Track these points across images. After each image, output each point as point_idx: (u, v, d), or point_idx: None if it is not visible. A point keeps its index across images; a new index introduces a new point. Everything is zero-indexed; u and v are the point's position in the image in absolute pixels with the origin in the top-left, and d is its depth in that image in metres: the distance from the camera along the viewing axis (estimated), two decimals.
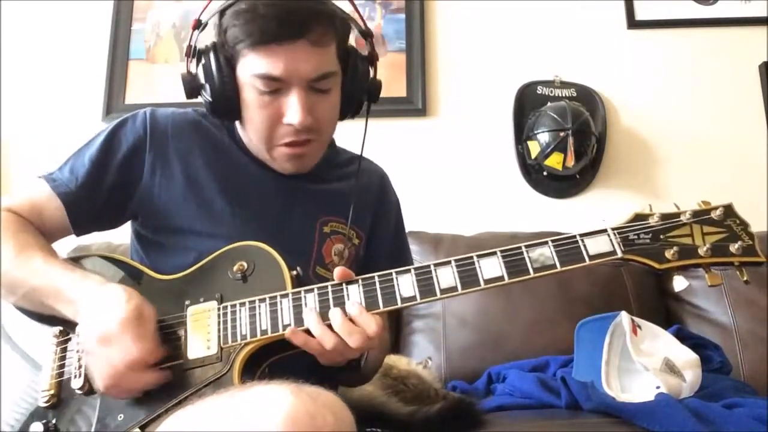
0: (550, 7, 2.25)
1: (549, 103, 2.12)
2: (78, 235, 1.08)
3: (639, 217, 0.89)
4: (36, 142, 2.17)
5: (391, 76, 2.17)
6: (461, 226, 1.92)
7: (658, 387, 1.17)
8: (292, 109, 0.96)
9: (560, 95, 2.16)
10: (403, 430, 1.11)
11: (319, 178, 1.11)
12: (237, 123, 1.09)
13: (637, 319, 1.30)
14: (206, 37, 1.02)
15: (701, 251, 0.86)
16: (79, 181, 1.03)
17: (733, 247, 0.86)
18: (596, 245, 0.88)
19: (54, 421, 0.89)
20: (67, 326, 0.95)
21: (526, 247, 0.88)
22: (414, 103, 2.18)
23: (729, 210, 0.89)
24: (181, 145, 1.06)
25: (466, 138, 2.18)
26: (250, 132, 1.03)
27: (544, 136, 2.06)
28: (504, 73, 2.21)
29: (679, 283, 0.89)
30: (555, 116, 2.04)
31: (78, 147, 1.08)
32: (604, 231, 0.89)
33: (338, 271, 0.89)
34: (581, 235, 0.89)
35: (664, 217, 0.89)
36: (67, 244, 1.18)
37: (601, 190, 2.13)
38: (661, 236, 0.88)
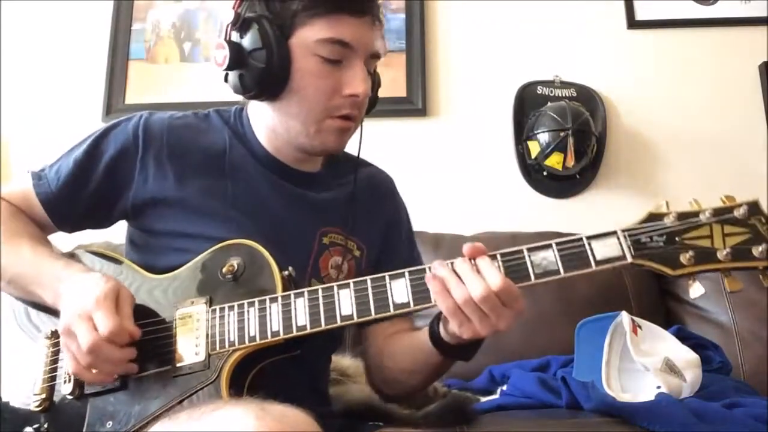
0: (550, 6, 2.25)
1: (549, 103, 2.12)
2: (66, 232, 1.08)
3: (653, 217, 0.81)
4: (36, 142, 2.17)
5: (391, 76, 2.17)
6: (461, 226, 1.93)
7: (658, 387, 1.17)
8: (358, 79, 0.96)
9: (560, 95, 2.16)
10: (403, 425, 1.11)
11: (323, 184, 1.09)
12: (251, 114, 1.07)
13: (637, 319, 1.30)
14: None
15: (720, 255, 0.78)
16: (61, 182, 1.02)
17: (756, 250, 0.77)
18: (604, 249, 0.80)
19: (46, 426, 0.89)
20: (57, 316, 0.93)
21: (528, 250, 0.82)
22: (414, 103, 2.18)
23: (754, 207, 0.79)
24: (176, 148, 1.03)
25: (466, 138, 2.18)
26: (295, 106, 0.99)
27: (544, 136, 2.06)
28: (504, 73, 2.21)
29: (696, 290, 0.80)
30: (555, 116, 2.04)
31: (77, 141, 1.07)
32: (614, 233, 0.81)
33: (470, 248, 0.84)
34: (588, 238, 0.81)
35: (681, 216, 0.80)
36: (67, 244, 1.17)
37: (602, 190, 2.13)
38: (677, 238, 0.79)
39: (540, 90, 2.19)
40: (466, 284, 0.80)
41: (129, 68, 2.25)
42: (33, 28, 2.30)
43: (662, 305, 1.82)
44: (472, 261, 0.82)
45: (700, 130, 2.15)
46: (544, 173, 2.10)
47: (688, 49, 2.21)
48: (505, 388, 1.44)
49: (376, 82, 1.06)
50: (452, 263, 0.83)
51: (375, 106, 1.08)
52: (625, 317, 1.26)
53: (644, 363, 1.20)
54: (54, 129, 2.19)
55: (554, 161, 2.05)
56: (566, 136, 2.01)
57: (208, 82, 2.19)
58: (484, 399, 1.40)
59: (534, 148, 2.09)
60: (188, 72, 2.26)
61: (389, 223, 1.14)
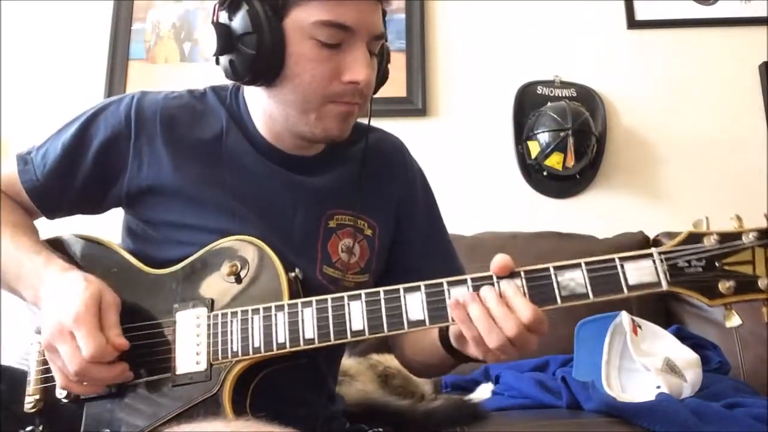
0: (550, 6, 2.25)
1: (549, 103, 2.12)
2: (51, 219, 1.02)
3: (693, 237, 0.74)
4: (36, 142, 2.17)
5: (391, 76, 2.16)
6: (461, 226, 1.92)
7: (658, 387, 1.18)
8: (358, 64, 0.87)
9: (560, 95, 2.16)
10: (404, 427, 1.11)
11: (326, 166, 1.01)
12: (247, 97, 0.99)
13: (637, 319, 1.30)
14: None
15: (761, 284, 0.71)
16: (48, 169, 0.96)
17: None
18: (638, 273, 0.74)
19: (41, 428, 0.86)
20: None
21: (555, 269, 0.76)
22: (414, 103, 2.18)
23: None
24: (171, 132, 0.95)
25: (466, 138, 2.18)
26: (291, 93, 0.90)
27: (544, 136, 2.06)
28: (504, 73, 2.21)
29: (733, 321, 0.74)
30: (555, 116, 2.04)
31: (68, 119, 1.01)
32: (650, 255, 0.75)
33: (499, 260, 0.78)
34: (621, 259, 0.75)
35: (723, 237, 0.73)
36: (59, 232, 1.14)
37: (602, 190, 2.13)
38: (717, 263, 0.73)
39: (540, 90, 2.19)
40: (498, 323, 0.74)
41: (129, 68, 2.25)
42: (33, 28, 2.30)
43: (662, 305, 1.82)
44: (499, 291, 0.76)
45: (700, 130, 2.15)
46: (544, 173, 2.10)
47: (688, 49, 2.21)
48: (493, 387, 1.44)
49: (384, 59, 0.98)
50: (479, 295, 0.76)
51: (385, 82, 1.01)
52: (624, 317, 1.26)
53: (644, 363, 1.20)
54: (54, 129, 2.18)
55: (554, 161, 2.05)
56: (566, 136, 2.01)
57: (208, 82, 2.19)
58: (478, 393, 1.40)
59: (534, 148, 2.09)
60: (188, 72, 2.26)
61: (400, 200, 1.07)
